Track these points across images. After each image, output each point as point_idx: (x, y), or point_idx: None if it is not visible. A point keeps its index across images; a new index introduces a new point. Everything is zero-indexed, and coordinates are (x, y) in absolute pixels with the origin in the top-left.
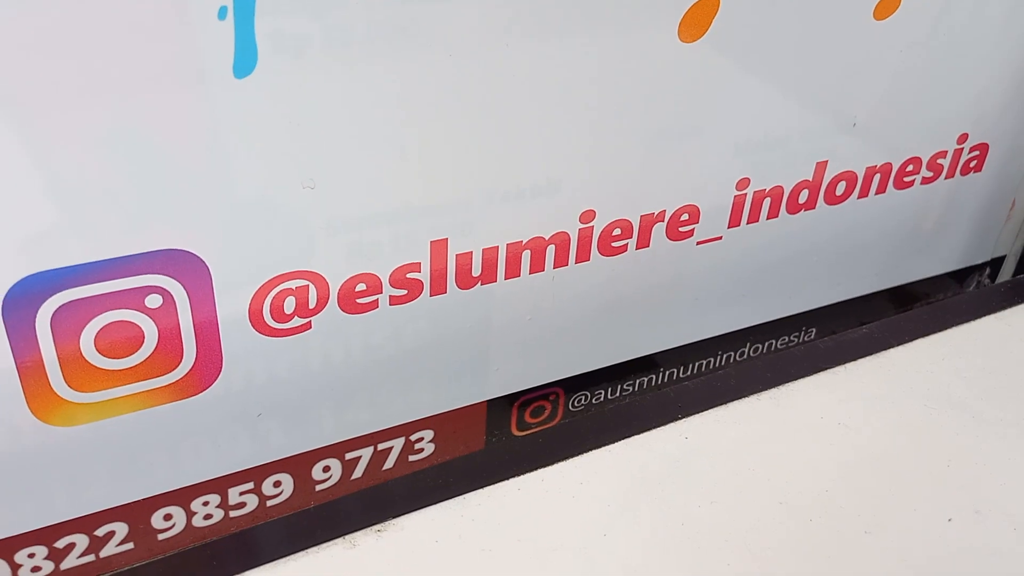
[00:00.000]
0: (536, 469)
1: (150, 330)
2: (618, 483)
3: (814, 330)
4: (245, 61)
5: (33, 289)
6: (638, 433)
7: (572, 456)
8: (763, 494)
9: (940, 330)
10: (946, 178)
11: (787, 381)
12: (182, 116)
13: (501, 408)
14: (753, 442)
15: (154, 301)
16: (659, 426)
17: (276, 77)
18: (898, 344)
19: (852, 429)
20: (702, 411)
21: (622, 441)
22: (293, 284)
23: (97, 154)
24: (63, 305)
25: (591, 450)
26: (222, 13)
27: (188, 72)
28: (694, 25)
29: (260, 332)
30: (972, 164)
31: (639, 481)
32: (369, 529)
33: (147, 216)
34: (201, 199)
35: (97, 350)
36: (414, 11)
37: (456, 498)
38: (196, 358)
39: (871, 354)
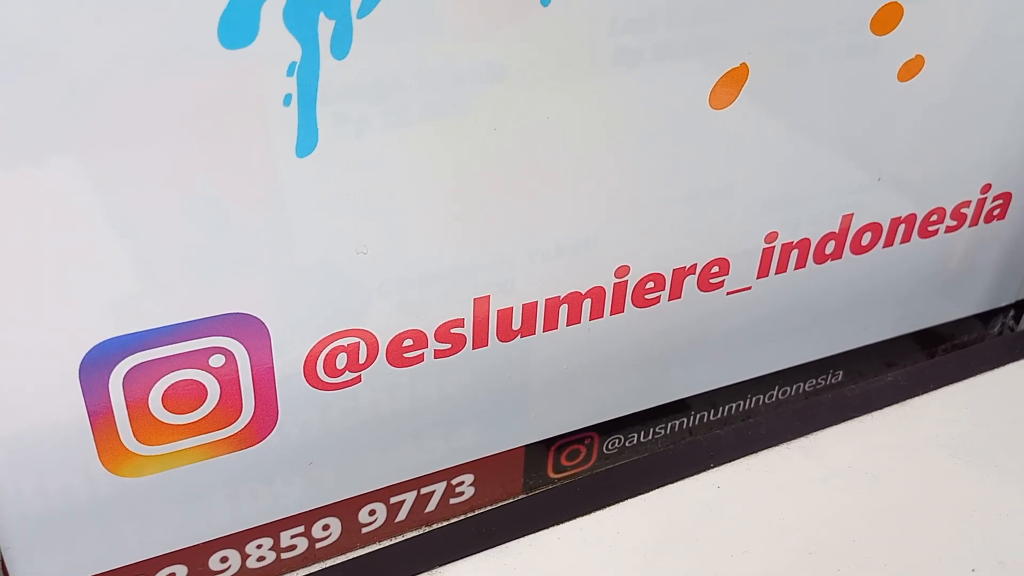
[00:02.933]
0: (574, 518)
1: (213, 387)
2: (653, 532)
3: (840, 372)
4: (307, 142)
5: (109, 352)
6: (672, 482)
7: (608, 505)
8: (793, 544)
9: (964, 378)
10: (970, 226)
11: (816, 430)
12: (248, 193)
13: (538, 452)
14: (783, 491)
15: (217, 361)
16: (692, 475)
17: (334, 155)
18: (923, 392)
19: (878, 479)
20: (734, 460)
21: (656, 490)
22: (345, 341)
23: (170, 228)
24: (135, 366)
25: (626, 499)
26: (287, 100)
27: (255, 153)
28: (724, 94)
29: (313, 386)
30: (995, 212)
31: (673, 530)
32: None
33: (214, 283)
34: (264, 266)
35: (164, 407)
36: (464, 92)
37: (499, 546)
38: (254, 412)
39: (897, 402)
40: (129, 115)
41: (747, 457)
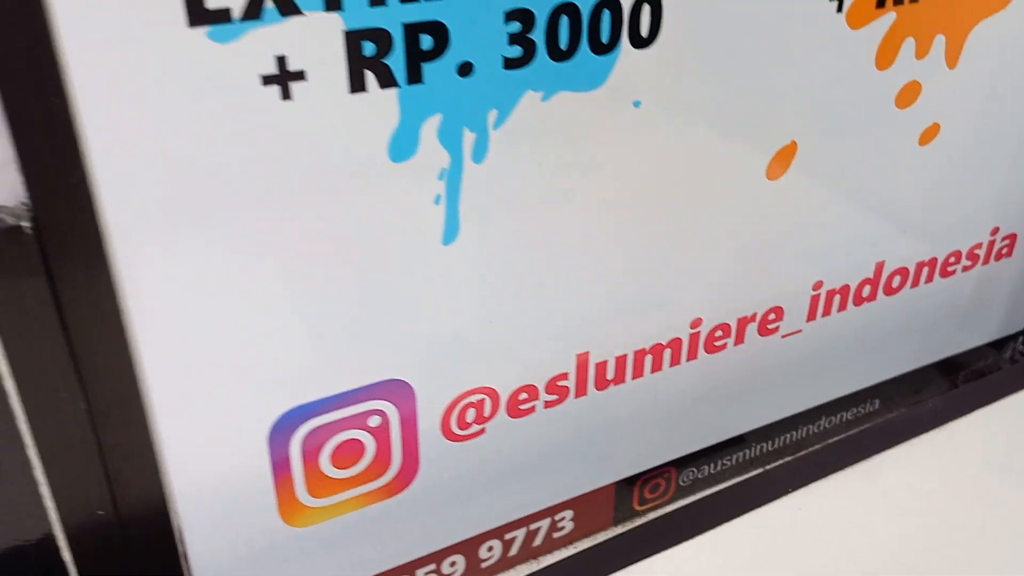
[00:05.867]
0: (663, 551)
1: (370, 444)
2: (743, 556)
3: (877, 400)
4: (451, 232)
5: (292, 419)
6: (754, 508)
7: (694, 536)
8: (876, 556)
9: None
10: (982, 264)
11: (871, 455)
12: (405, 277)
13: (626, 487)
14: (851, 514)
15: (374, 421)
16: (769, 502)
17: (471, 242)
18: (957, 417)
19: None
20: (806, 485)
21: (747, 513)
22: (474, 398)
23: (343, 311)
24: (312, 429)
25: (710, 530)
26: (437, 199)
27: (410, 243)
28: (778, 166)
29: (448, 439)
30: (1003, 251)
31: (759, 554)
32: None
33: (375, 355)
34: (412, 338)
35: (332, 463)
36: (573, 181)
37: None
38: (401, 464)
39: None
40: (320, 220)
41: (817, 482)
